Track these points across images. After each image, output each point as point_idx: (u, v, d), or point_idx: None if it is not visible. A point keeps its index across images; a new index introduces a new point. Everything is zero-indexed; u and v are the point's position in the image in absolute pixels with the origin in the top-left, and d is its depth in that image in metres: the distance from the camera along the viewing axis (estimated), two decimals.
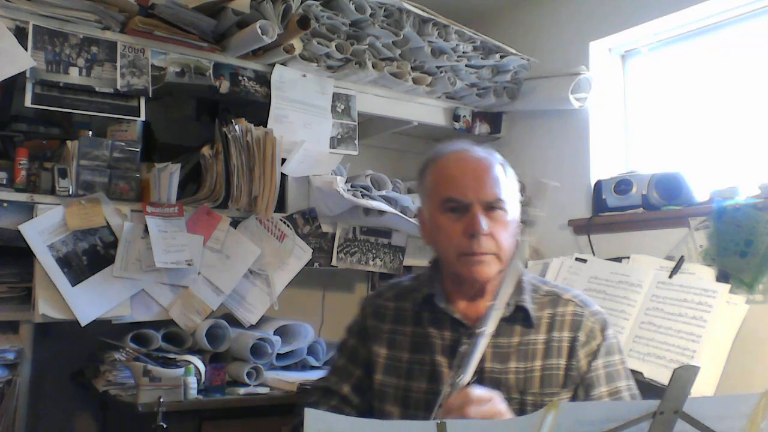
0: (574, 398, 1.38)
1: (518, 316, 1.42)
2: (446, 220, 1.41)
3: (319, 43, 2.26)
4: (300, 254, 2.33)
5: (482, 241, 1.38)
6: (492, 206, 1.41)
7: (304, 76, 2.34)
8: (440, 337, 1.42)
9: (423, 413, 1.38)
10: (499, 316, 1.36)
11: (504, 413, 1.22)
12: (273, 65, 2.28)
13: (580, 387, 1.39)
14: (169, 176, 2.08)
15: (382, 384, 1.45)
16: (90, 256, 1.97)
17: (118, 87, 2.02)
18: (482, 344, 1.31)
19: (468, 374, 1.27)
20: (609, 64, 2.64)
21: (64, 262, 1.93)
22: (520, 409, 1.35)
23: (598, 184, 2.40)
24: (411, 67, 2.50)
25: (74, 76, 1.96)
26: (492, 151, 1.48)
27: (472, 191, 1.40)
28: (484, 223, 1.38)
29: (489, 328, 1.32)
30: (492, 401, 1.23)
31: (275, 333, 2.25)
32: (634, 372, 1.62)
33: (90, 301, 1.94)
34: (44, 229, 1.90)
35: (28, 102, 1.91)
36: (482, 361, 1.35)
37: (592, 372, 1.39)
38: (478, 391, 1.23)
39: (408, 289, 1.55)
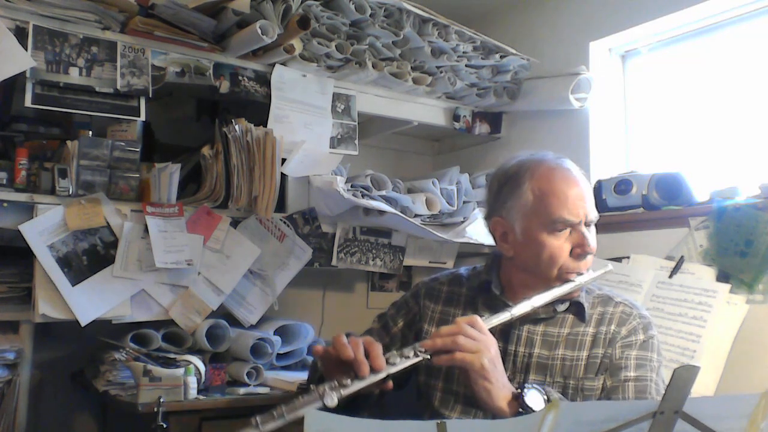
0: (603, 383, 1.45)
1: (572, 310, 1.51)
2: (552, 239, 1.47)
3: (319, 43, 2.26)
4: (300, 254, 2.33)
5: (588, 260, 1.50)
6: (590, 223, 1.50)
7: (304, 76, 2.34)
8: None
9: (462, 386, 1.50)
10: (531, 308, 1.44)
11: (486, 362, 1.29)
12: (273, 65, 2.28)
13: (609, 371, 1.45)
14: (169, 176, 2.08)
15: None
16: (90, 256, 1.97)
17: (118, 87, 2.01)
18: (505, 315, 1.42)
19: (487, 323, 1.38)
20: (609, 64, 2.64)
21: (64, 262, 1.92)
22: (562, 392, 1.44)
23: (598, 184, 2.40)
24: (411, 67, 2.49)
25: (74, 76, 1.96)
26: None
27: (582, 210, 1.48)
28: (593, 241, 1.48)
29: (518, 310, 1.43)
30: (481, 343, 1.31)
31: (275, 333, 2.25)
32: None
33: (90, 301, 1.94)
34: (44, 229, 1.90)
35: (28, 102, 1.91)
36: (531, 346, 1.49)
37: (623, 359, 1.45)
38: (472, 330, 1.32)
39: (463, 277, 1.66)
